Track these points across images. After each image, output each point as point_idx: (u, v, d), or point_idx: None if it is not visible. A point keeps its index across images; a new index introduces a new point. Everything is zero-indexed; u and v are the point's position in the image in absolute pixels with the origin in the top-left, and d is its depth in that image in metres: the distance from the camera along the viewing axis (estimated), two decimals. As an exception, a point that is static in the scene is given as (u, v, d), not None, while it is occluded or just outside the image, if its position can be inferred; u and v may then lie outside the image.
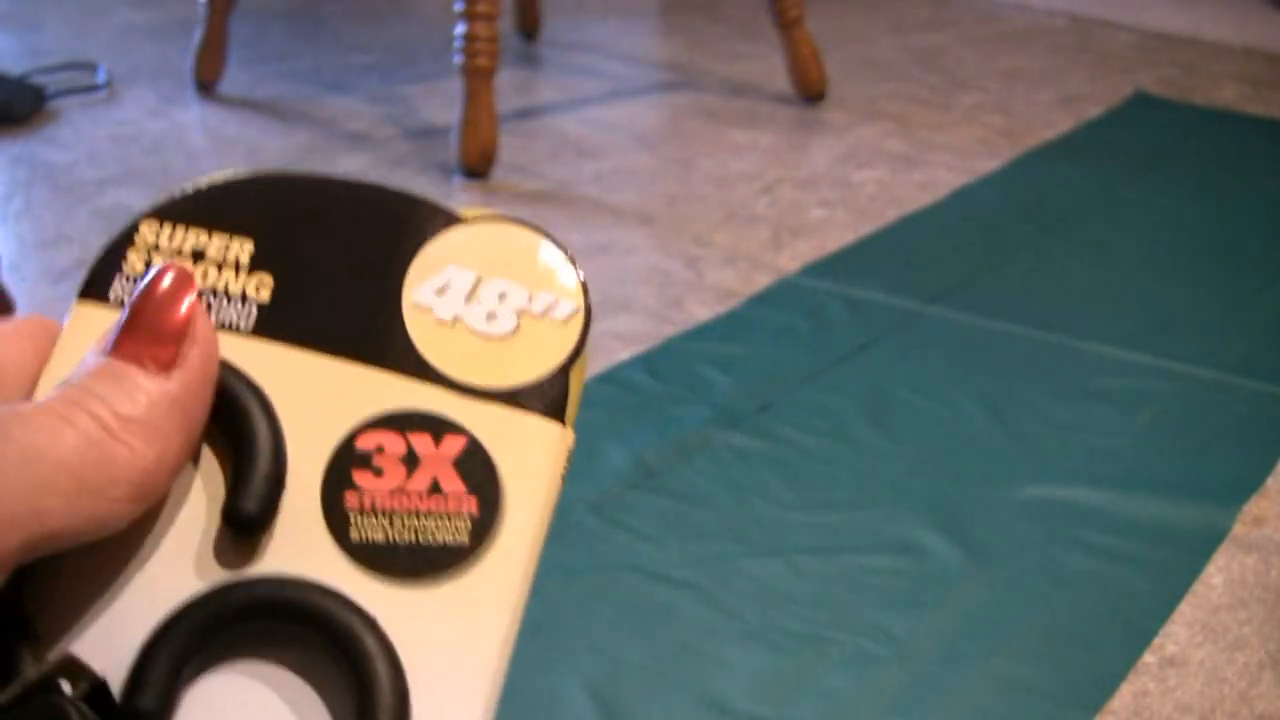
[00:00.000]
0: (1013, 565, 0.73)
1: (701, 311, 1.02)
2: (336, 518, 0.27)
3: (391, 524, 0.27)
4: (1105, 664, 0.66)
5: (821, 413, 0.87)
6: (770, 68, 1.68)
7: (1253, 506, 0.79)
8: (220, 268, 0.28)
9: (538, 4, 1.81)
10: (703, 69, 1.71)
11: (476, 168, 1.28)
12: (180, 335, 0.25)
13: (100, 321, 0.28)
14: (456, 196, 1.24)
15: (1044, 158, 1.40)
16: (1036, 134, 1.47)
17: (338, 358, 0.28)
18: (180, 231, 0.29)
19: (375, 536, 0.27)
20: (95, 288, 0.28)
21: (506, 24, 1.80)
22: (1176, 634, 0.68)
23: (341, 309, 0.28)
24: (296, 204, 0.29)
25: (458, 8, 1.27)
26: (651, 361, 0.93)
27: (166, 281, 0.26)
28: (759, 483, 0.79)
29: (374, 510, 0.27)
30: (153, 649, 0.25)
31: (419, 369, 0.28)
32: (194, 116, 1.46)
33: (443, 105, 1.51)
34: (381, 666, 0.25)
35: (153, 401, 0.24)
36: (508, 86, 1.57)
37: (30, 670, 0.25)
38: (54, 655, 0.25)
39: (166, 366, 0.25)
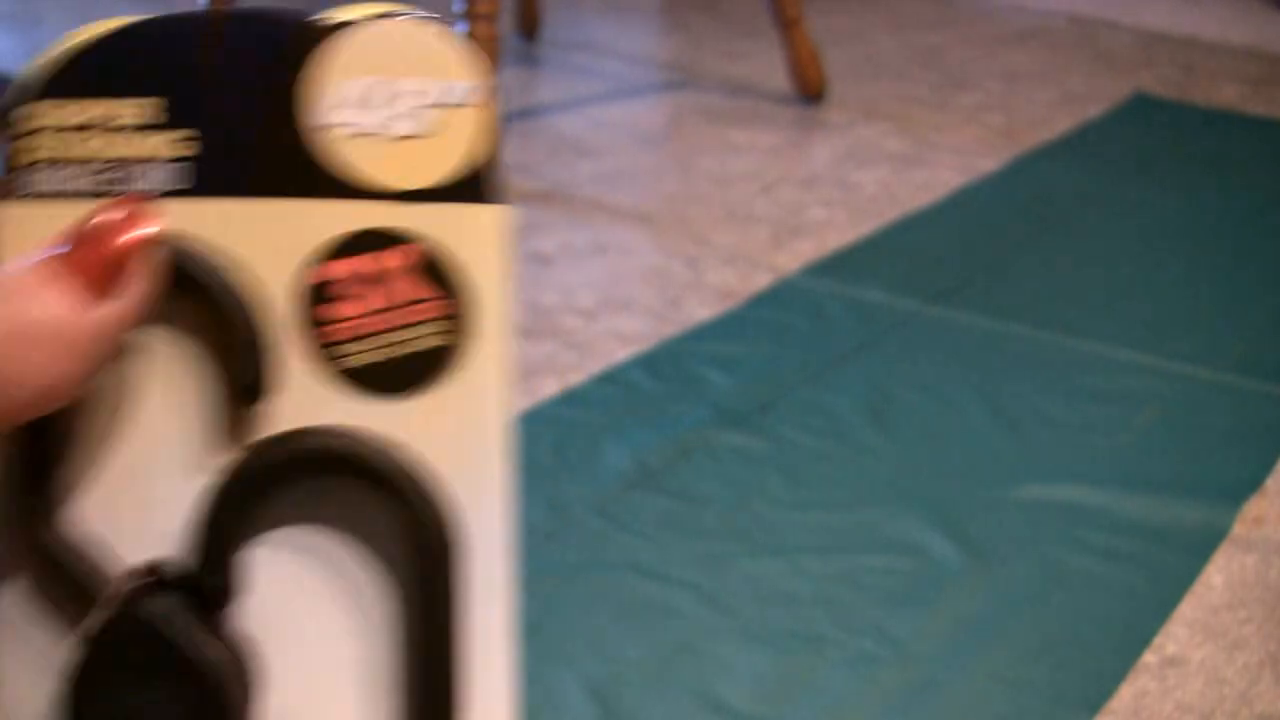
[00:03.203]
0: (1012, 565, 0.73)
1: (701, 311, 1.02)
2: (323, 355, 0.27)
3: (378, 345, 0.27)
4: (1105, 664, 0.66)
5: (821, 413, 0.87)
6: (770, 68, 1.68)
7: (1253, 506, 0.79)
8: (135, 133, 0.28)
9: (538, 4, 1.81)
10: (703, 69, 1.71)
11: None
12: (127, 262, 0.25)
13: (30, 216, 0.27)
14: (456, 196, 1.24)
15: (1044, 158, 1.40)
16: (1036, 134, 1.47)
17: (272, 199, 0.28)
18: (75, 106, 0.28)
19: (365, 360, 0.27)
20: (12, 184, 0.28)
21: (506, 24, 1.80)
22: (1176, 634, 0.68)
23: (259, 149, 0.28)
24: (182, 52, 0.28)
25: (457, 8, 1.27)
26: (651, 361, 0.93)
27: (127, 203, 0.26)
28: (759, 483, 0.79)
29: (356, 337, 0.27)
30: (210, 528, 0.26)
31: (353, 189, 0.28)
32: (194, 116, 1.46)
33: (443, 105, 1.51)
34: (428, 501, 0.26)
35: (83, 320, 0.25)
36: (508, 86, 1.57)
37: (119, 582, 0.26)
38: (112, 559, 0.27)
39: (104, 289, 0.25)
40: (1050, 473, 0.81)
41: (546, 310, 1.02)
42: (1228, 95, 1.65)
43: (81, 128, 0.28)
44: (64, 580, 0.26)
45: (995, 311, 1.03)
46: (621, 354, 0.94)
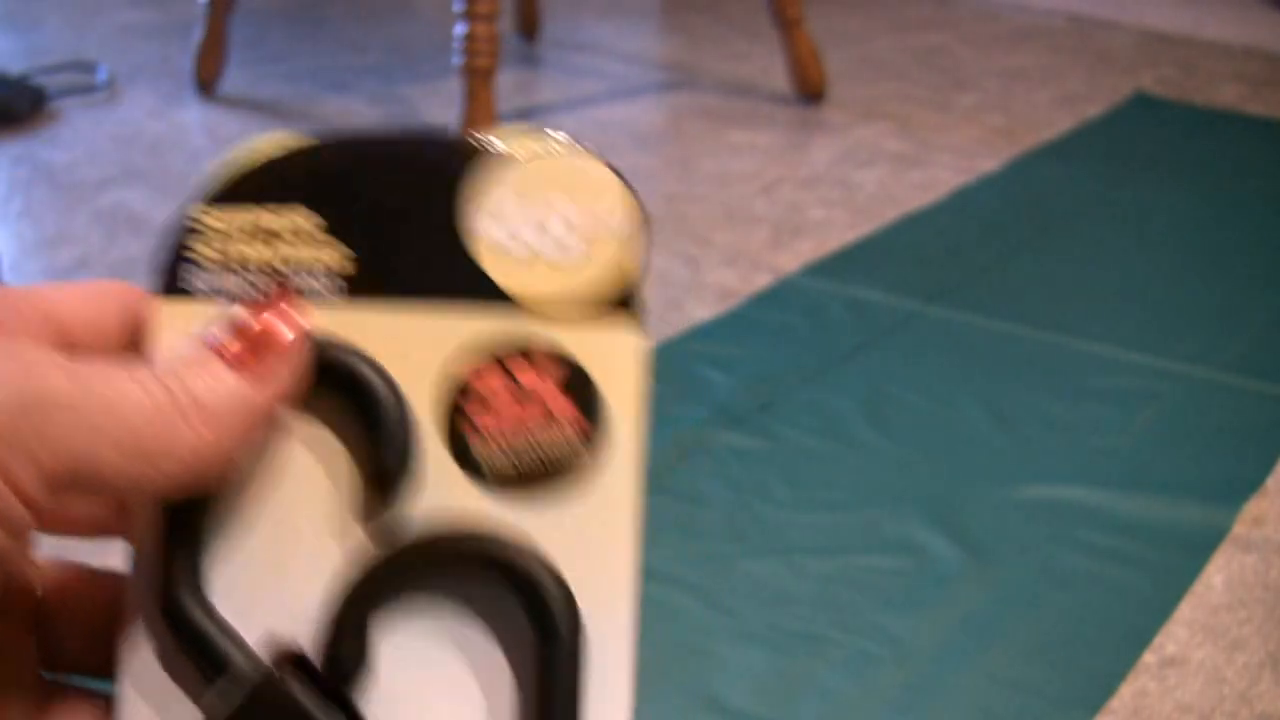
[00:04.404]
0: (1012, 565, 0.73)
1: (701, 311, 1.02)
2: (462, 455, 0.29)
3: (515, 451, 0.29)
4: (1105, 664, 0.66)
5: (821, 413, 0.87)
6: (770, 68, 1.68)
7: (1253, 506, 0.79)
8: (294, 242, 0.29)
9: (538, 4, 1.81)
10: (703, 69, 1.71)
11: (476, 168, 1.28)
12: (278, 351, 0.27)
13: (186, 313, 0.29)
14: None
15: (1044, 158, 1.40)
16: (1036, 134, 1.47)
17: (424, 306, 0.29)
18: (238, 214, 0.29)
19: (501, 465, 0.29)
20: (171, 281, 0.29)
21: (506, 24, 1.80)
22: (1176, 634, 0.68)
23: (415, 259, 0.29)
24: (343, 167, 0.30)
25: (458, 8, 1.27)
26: (651, 361, 0.93)
27: (280, 299, 0.28)
28: (759, 483, 0.79)
29: (495, 440, 0.29)
30: (344, 614, 0.28)
31: (504, 301, 0.29)
32: (194, 116, 1.46)
33: (443, 105, 1.51)
34: (558, 598, 0.28)
35: (229, 397, 0.26)
36: (508, 86, 1.57)
37: (244, 657, 0.27)
38: (245, 637, 0.28)
39: (255, 375, 0.27)
40: (1050, 473, 0.81)
41: (546, 310, 1.02)
42: (1228, 95, 1.65)
43: (242, 234, 0.29)
44: (200, 652, 0.28)
45: (995, 311, 1.03)
46: (621, 354, 0.94)
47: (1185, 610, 0.70)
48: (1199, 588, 0.71)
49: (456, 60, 1.28)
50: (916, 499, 0.78)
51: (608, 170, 0.30)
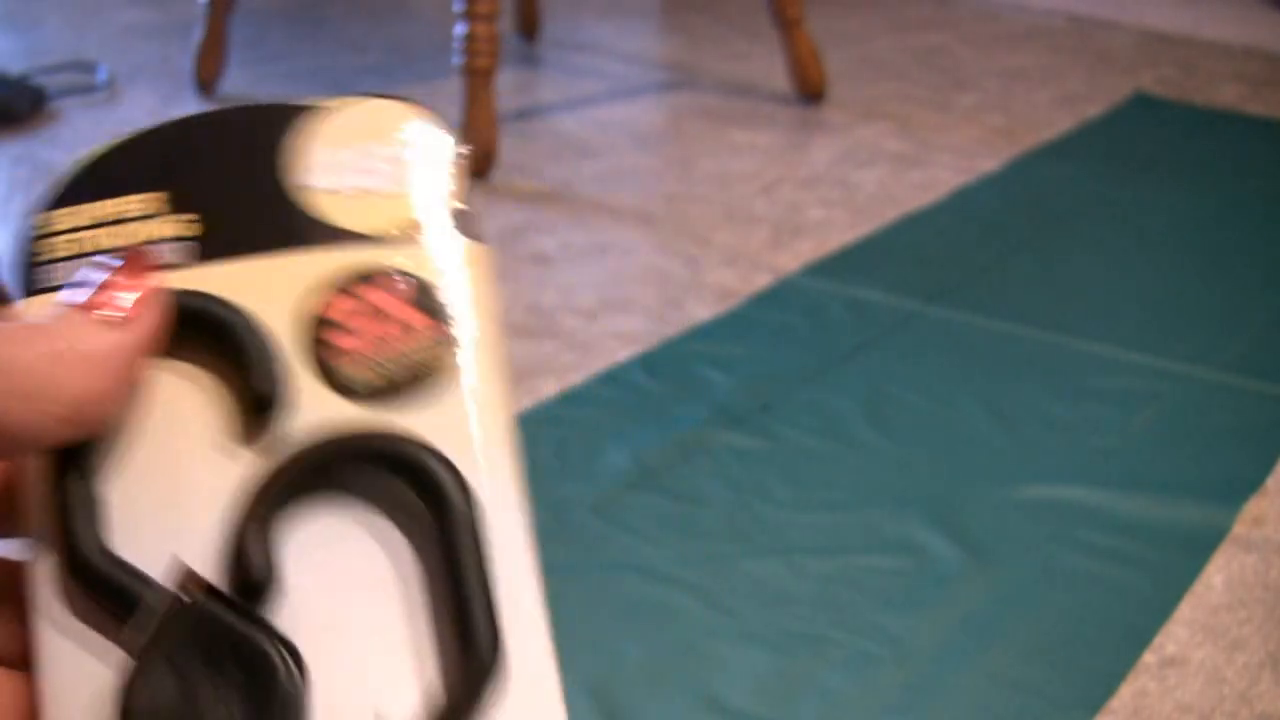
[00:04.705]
0: (1012, 565, 0.73)
1: (701, 311, 1.02)
2: (333, 379, 0.30)
3: (383, 367, 0.31)
4: (1105, 664, 0.66)
5: (821, 413, 0.87)
6: (770, 68, 1.68)
7: (1253, 506, 0.79)
8: (141, 222, 0.31)
9: (538, 4, 1.81)
10: (703, 69, 1.71)
11: (476, 168, 1.28)
12: (140, 300, 0.29)
13: (48, 302, 0.30)
14: (456, 196, 1.24)
15: (1044, 158, 1.40)
16: (1036, 134, 1.47)
17: (272, 254, 0.31)
18: (84, 209, 0.31)
19: (372, 379, 0.30)
20: (29, 286, 0.31)
21: (506, 24, 1.80)
22: (1176, 634, 0.68)
23: (255, 215, 0.32)
24: (177, 146, 0.32)
25: (458, 8, 1.27)
26: (651, 361, 0.93)
27: (135, 257, 0.30)
28: (759, 483, 0.79)
29: (363, 362, 0.31)
30: (244, 529, 0.29)
31: (342, 237, 0.32)
32: (194, 116, 1.46)
33: (443, 105, 1.51)
34: (442, 471, 0.29)
35: (99, 343, 0.28)
36: (508, 86, 1.57)
37: (153, 592, 0.28)
38: (151, 575, 0.29)
39: (123, 323, 0.28)
40: (1050, 473, 0.81)
41: (546, 310, 1.02)
42: (1228, 95, 1.65)
43: (91, 226, 0.31)
44: (108, 595, 0.29)
45: (995, 311, 1.03)
46: (621, 354, 0.94)
47: (1185, 610, 0.70)
48: (1199, 588, 0.71)
49: (456, 60, 1.28)
50: (916, 499, 0.78)
51: (411, 107, 0.33)
